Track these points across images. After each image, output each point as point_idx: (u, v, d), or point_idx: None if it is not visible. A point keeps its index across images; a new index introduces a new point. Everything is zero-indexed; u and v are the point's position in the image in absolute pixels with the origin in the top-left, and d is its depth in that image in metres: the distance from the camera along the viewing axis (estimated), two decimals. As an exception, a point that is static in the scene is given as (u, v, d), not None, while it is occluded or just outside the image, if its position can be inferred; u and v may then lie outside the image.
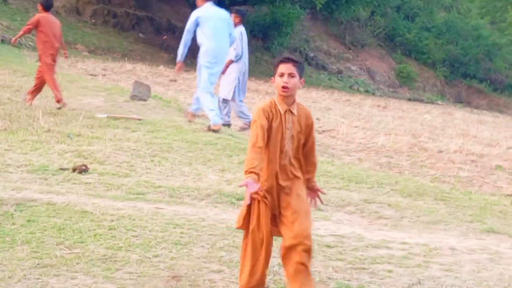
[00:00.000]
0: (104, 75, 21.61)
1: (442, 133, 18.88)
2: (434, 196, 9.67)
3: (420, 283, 5.88)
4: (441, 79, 45.17)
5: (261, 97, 22.11)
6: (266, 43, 37.76)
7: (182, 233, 6.66)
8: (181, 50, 12.57)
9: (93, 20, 32.53)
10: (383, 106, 26.52)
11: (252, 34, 36.58)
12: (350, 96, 30.67)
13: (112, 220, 6.81)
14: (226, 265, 5.86)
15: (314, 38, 42.34)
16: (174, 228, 6.79)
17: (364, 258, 6.42)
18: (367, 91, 37.60)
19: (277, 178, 4.97)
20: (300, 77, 4.98)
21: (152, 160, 9.85)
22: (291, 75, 4.92)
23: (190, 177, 9.19)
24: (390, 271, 6.15)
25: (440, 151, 14.78)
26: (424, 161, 13.34)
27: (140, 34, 33.10)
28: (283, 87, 4.91)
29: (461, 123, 23.88)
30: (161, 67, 26.58)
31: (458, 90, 45.22)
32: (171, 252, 6.07)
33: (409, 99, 37.80)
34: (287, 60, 4.98)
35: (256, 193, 4.71)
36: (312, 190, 5.23)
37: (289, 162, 5.00)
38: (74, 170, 8.71)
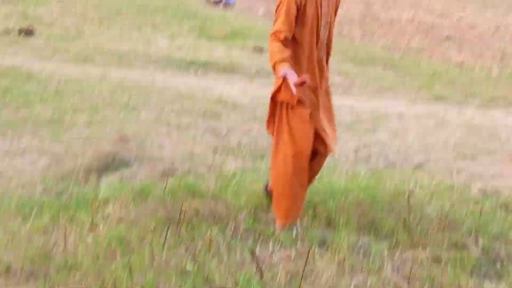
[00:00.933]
0: None
1: (394, 3, 18.77)
2: (384, 64, 9.69)
3: (366, 146, 5.93)
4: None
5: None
6: None
7: (130, 96, 6.59)
8: None
9: None
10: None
11: None
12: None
13: (59, 83, 6.71)
14: (175, 128, 5.81)
15: None
16: (123, 91, 6.71)
17: (313, 123, 6.44)
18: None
19: (317, 76, 4.09)
20: None
21: (100, 24, 9.66)
22: None
23: (139, 42, 9.05)
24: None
25: (392, 21, 14.74)
26: (376, 30, 13.31)
27: None
28: None
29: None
30: None
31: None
32: (119, 115, 6.00)
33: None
34: None
35: (303, 82, 3.76)
36: None
37: (324, 54, 4.14)
38: (20, 32, 8.51)
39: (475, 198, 4.63)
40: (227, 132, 5.89)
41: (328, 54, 4.21)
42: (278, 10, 3.97)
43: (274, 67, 3.86)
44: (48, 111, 5.88)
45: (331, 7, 4.11)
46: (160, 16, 10.57)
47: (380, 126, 6.67)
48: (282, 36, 3.92)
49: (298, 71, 3.89)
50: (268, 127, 4.16)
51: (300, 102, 4.02)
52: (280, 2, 3.96)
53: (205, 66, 8.37)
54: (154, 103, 6.53)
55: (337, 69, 8.96)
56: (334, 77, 8.55)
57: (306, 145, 4.04)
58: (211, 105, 6.69)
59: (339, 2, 4.22)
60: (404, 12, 16.11)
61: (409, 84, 8.78)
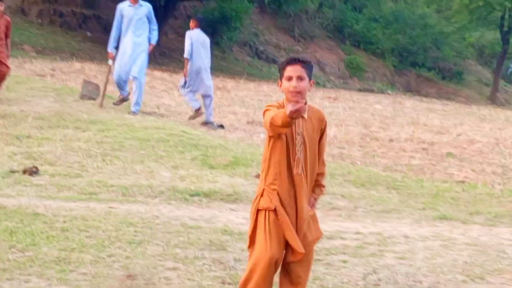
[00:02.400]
0: (53, 75, 21.34)
1: (392, 122, 19.04)
2: (387, 185, 9.76)
3: (375, 272, 5.92)
4: (390, 69, 45.47)
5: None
6: (216, 38, 37.63)
7: (136, 231, 6.62)
8: None
9: (40, 20, 32.11)
10: (334, 97, 26.63)
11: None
12: (301, 88, 30.61)
13: (65, 221, 6.74)
14: (182, 262, 5.84)
15: (263, 32, 42.33)
16: (128, 227, 6.75)
17: (319, 250, 6.44)
18: (317, 83, 37.65)
19: (293, 191, 4.45)
20: (310, 78, 4.50)
21: (103, 160, 9.77)
22: (300, 78, 4.42)
23: (142, 175, 9.14)
24: (345, 262, 6.19)
25: (391, 140, 14.91)
26: (376, 151, 13.44)
27: (88, 33, 32.78)
28: (293, 92, 4.40)
29: (411, 111, 24.09)
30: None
31: (407, 79, 45.54)
32: (125, 251, 6.02)
33: (360, 90, 37.98)
34: (295, 61, 4.48)
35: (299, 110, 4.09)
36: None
37: (303, 172, 4.46)
38: (24, 172, 8.61)
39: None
40: (234, 263, 5.90)
41: (310, 174, 4.53)
42: (266, 110, 4.41)
43: (273, 123, 4.25)
44: (54, 250, 5.89)
45: (309, 129, 4.48)
46: (162, 147, 10.70)
47: (387, 249, 6.66)
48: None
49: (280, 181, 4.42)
50: (249, 245, 4.45)
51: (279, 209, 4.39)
52: (267, 107, 4.42)
53: (209, 196, 8.43)
54: (160, 236, 6.55)
55: (340, 192, 9.02)
56: (337, 201, 8.62)
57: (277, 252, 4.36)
58: (217, 236, 6.72)
59: (323, 124, 4.60)
60: (403, 131, 16.30)
61: (412, 204, 8.82)
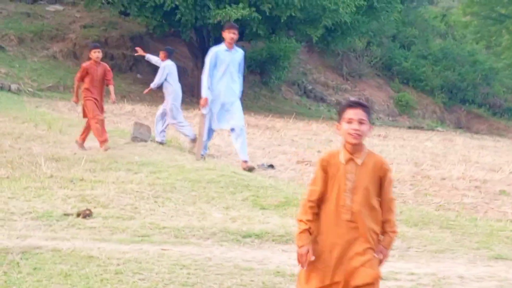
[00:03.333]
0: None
1: (444, 160, 18.86)
2: (440, 224, 9.66)
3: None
4: (440, 106, 45.26)
5: (261, 132, 22.13)
6: (264, 78, 37.87)
7: (189, 273, 6.64)
8: None
9: (91, 63, 32.63)
10: (384, 135, 26.51)
11: (249, 69, 36.74)
12: (350, 127, 30.53)
13: (118, 264, 6.79)
14: (235, 305, 5.83)
15: (311, 71, 42.48)
16: (181, 269, 6.77)
17: (373, 291, 6.38)
18: (367, 121, 37.61)
19: (337, 235, 4.60)
20: (370, 123, 4.67)
21: (155, 201, 9.84)
22: (361, 122, 4.60)
23: (194, 217, 9.18)
24: (400, 303, 6.13)
25: (443, 179, 14.76)
26: (428, 189, 13.31)
27: (138, 75, 33.21)
28: (353, 135, 4.56)
29: (462, 149, 23.87)
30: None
31: (457, 116, 45.28)
32: (179, 294, 6.03)
33: (409, 127, 37.80)
34: (356, 104, 4.65)
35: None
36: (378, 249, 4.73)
37: (351, 217, 4.56)
38: (78, 215, 8.70)
39: None
40: (288, 305, 5.88)
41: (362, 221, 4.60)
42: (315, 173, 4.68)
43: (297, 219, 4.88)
44: (108, 294, 5.93)
45: (363, 174, 4.58)
46: (214, 188, 10.74)
47: (442, 290, 6.58)
48: (309, 200, 4.69)
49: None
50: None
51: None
52: (316, 167, 4.71)
53: (261, 237, 8.42)
54: (212, 279, 6.55)
55: (392, 233, 8.94)
56: (390, 241, 8.52)
57: None
58: (270, 277, 6.71)
59: (382, 172, 4.65)
60: (455, 169, 16.14)
61: (467, 243, 8.71)
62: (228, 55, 13.48)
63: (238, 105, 13.71)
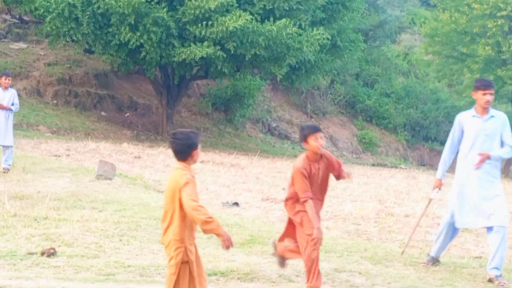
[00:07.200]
0: (68, 155, 21.54)
1: (407, 197, 19.01)
2: (404, 261, 9.74)
3: None
4: (403, 143, 45.69)
5: (226, 169, 22.15)
6: (229, 115, 38.03)
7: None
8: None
9: (55, 101, 32.54)
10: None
11: (214, 107, 36.87)
12: (314, 164, 30.64)
13: (83, 303, 6.76)
14: None
15: (276, 108, 42.71)
16: (147, 308, 6.75)
17: (338, 329, 6.42)
18: (330, 159, 37.79)
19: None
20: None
21: (120, 240, 9.81)
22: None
23: (159, 255, 9.16)
24: None
25: (407, 216, 14.88)
26: (392, 226, 13.42)
27: (102, 113, 33.17)
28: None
29: (426, 186, 24.03)
30: (125, 145, 26.54)
31: (420, 153, 45.71)
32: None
33: (373, 165, 38.08)
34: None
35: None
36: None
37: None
38: (42, 254, 8.65)
39: None
40: None
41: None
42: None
43: None
44: (73, 333, 5.90)
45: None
46: (178, 226, 10.68)
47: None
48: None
49: None
50: None
51: None
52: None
53: (226, 275, 8.45)
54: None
55: (357, 270, 9.01)
56: (354, 278, 8.60)
57: None
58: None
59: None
60: (418, 206, 16.27)
61: (430, 281, 8.79)
62: (479, 122, 9.54)
63: (500, 198, 9.58)
